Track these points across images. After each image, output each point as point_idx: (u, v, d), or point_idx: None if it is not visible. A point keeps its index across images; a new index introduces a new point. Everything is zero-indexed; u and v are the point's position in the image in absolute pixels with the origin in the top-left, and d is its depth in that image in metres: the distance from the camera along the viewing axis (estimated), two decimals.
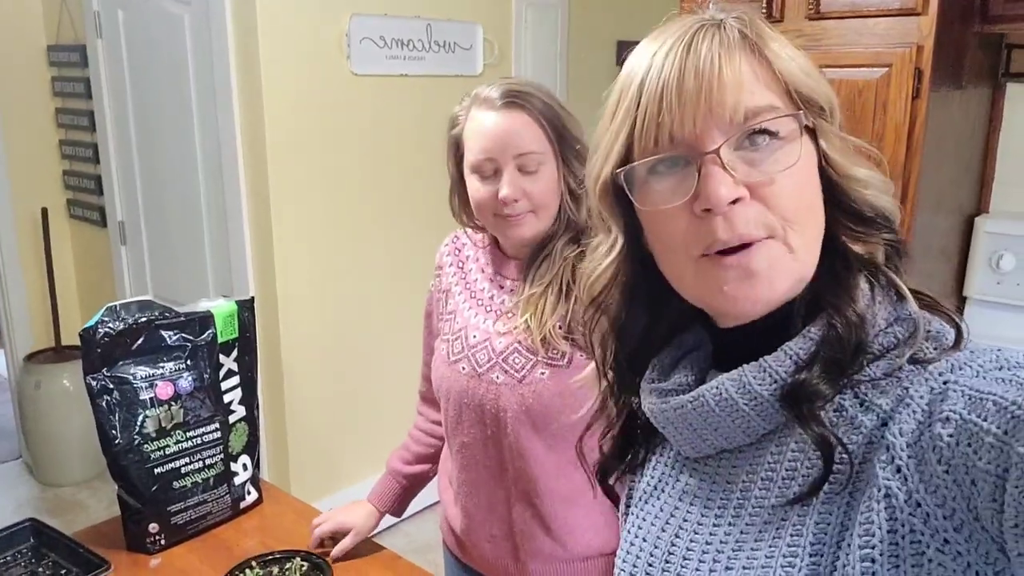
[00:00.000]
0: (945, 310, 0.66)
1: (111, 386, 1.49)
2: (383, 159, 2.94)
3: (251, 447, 1.68)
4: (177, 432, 1.54)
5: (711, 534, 0.67)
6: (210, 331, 1.59)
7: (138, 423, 1.50)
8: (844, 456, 0.60)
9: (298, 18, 2.63)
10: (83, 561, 1.43)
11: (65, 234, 3.70)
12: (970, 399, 0.53)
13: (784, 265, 0.62)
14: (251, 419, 1.67)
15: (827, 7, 2.08)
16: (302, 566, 1.42)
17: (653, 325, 0.75)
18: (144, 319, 1.52)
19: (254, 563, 1.43)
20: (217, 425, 1.59)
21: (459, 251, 1.45)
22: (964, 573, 0.53)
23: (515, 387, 1.26)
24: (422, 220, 3.04)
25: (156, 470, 1.51)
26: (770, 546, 0.62)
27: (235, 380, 1.64)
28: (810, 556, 0.59)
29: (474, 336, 1.34)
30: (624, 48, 4.01)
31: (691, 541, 0.68)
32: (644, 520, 0.75)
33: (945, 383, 0.57)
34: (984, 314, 2.44)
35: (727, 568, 0.64)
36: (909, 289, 0.65)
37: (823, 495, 0.60)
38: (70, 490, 3.44)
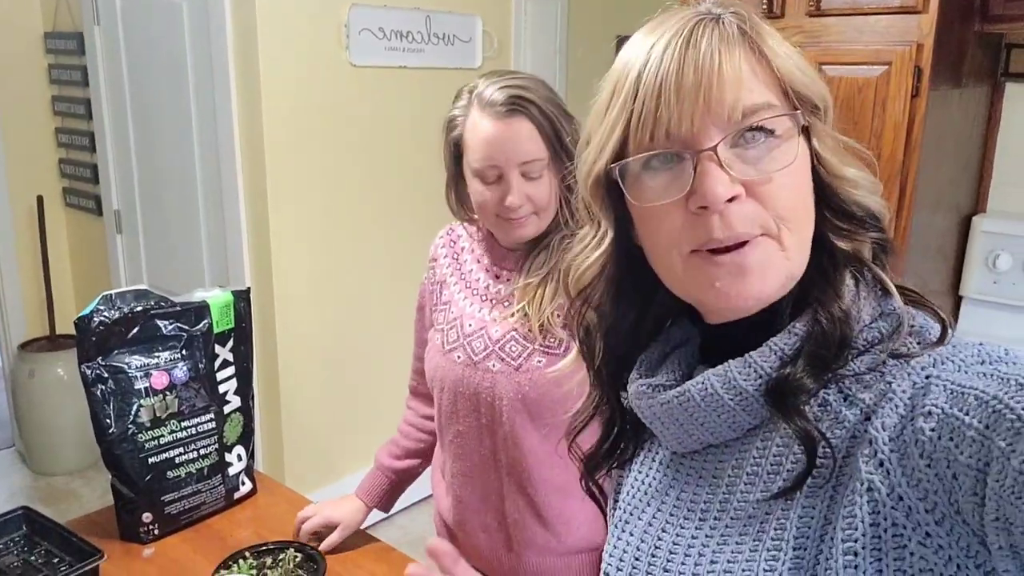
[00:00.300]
0: (931, 306, 0.66)
1: (106, 375, 1.48)
2: (381, 151, 2.94)
3: (246, 438, 1.67)
4: (172, 422, 1.53)
5: (697, 529, 0.67)
6: (206, 321, 1.58)
7: (132, 412, 1.49)
8: (827, 450, 0.60)
9: (297, 8, 2.62)
10: (76, 550, 1.42)
11: (61, 222, 3.69)
12: (952, 393, 0.54)
13: (777, 263, 0.62)
14: (246, 410, 1.67)
15: (828, 4, 2.08)
16: (295, 557, 1.42)
17: (640, 320, 0.75)
18: (140, 308, 1.52)
19: (247, 554, 1.42)
20: (212, 415, 1.59)
21: (454, 243, 1.45)
22: (945, 566, 0.53)
23: (511, 375, 1.26)
24: (419, 212, 3.03)
25: (150, 460, 1.51)
26: (754, 540, 0.62)
27: (230, 371, 1.63)
28: (793, 550, 0.60)
29: (469, 325, 1.34)
30: (624, 43, 4.00)
31: (677, 536, 0.69)
32: (631, 515, 0.75)
33: (927, 378, 0.57)
34: (980, 313, 2.45)
35: (712, 562, 0.64)
36: (895, 285, 0.66)
37: (806, 489, 0.61)
38: (63, 479, 3.44)
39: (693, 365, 0.73)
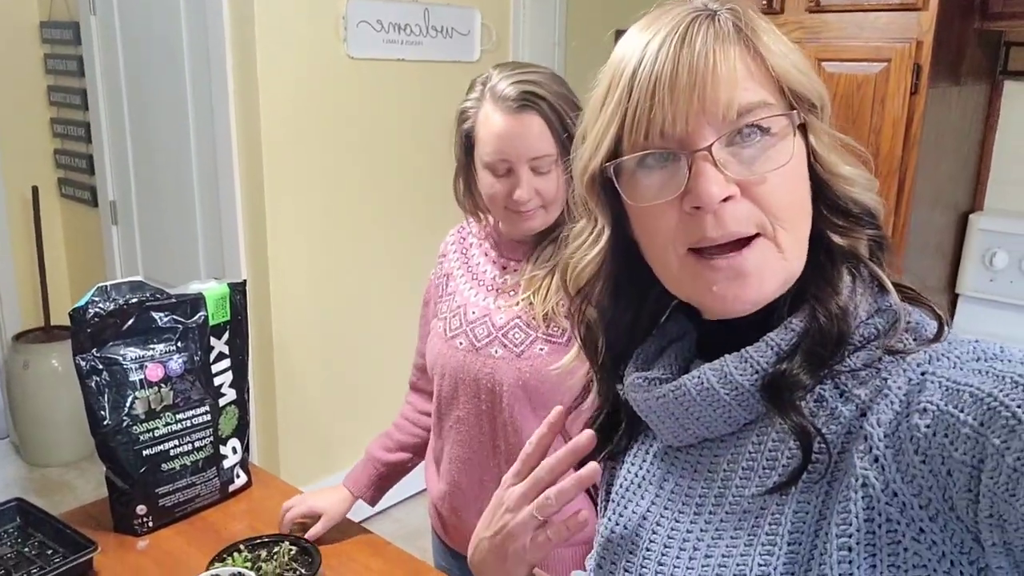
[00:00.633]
0: (927, 302, 0.66)
1: (100, 367, 1.48)
2: (378, 144, 2.93)
3: (241, 431, 1.67)
4: (166, 414, 1.53)
5: (691, 523, 0.67)
6: (201, 313, 1.58)
7: (127, 404, 1.49)
8: (823, 446, 0.60)
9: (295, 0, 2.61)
10: (70, 542, 1.42)
11: (56, 213, 3.68)
12: (947, 390, 0.54)
13: (774, 265, 0.62)
14: (241, 402, 1.66)
15: (828, 0, 2.07)
16: (290, 550, 1.41)
17: (638, 315, 0.75)
18: (135, 300, 1.51)
19: (242, 546, 1.42)
20: (207, 408, 1.58)
21: (464, 239, 1.47)
22: (939, 562, 0.53)
23: (513, 361, 1.27)
24: (417, 205, 3.03)
25: (144, 452, 1.50)
26: (749, 535, 0.62)
27: (226, 363, 1.63)
28: (788, 545, 0.60)
29: (473, 312, 1.35)
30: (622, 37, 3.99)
31: (672, 529, 0.69)
32: (624, 508, 0.75)
33: (923, 374, 0.57)
34: (976, 311, 2.45)
35: (707, 556, 0.64)
36: (892, 282, 0.66)
37: (802, 484, 0.61)
38: (58, 471, 3.43)
39: (689, 359, 0.73)
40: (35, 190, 3.44)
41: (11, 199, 3.47)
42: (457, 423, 1.37)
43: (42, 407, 3.37)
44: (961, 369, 0.56)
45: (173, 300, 1.55)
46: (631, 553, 0.71)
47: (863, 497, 0.56)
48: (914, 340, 0.62)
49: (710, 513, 0.66)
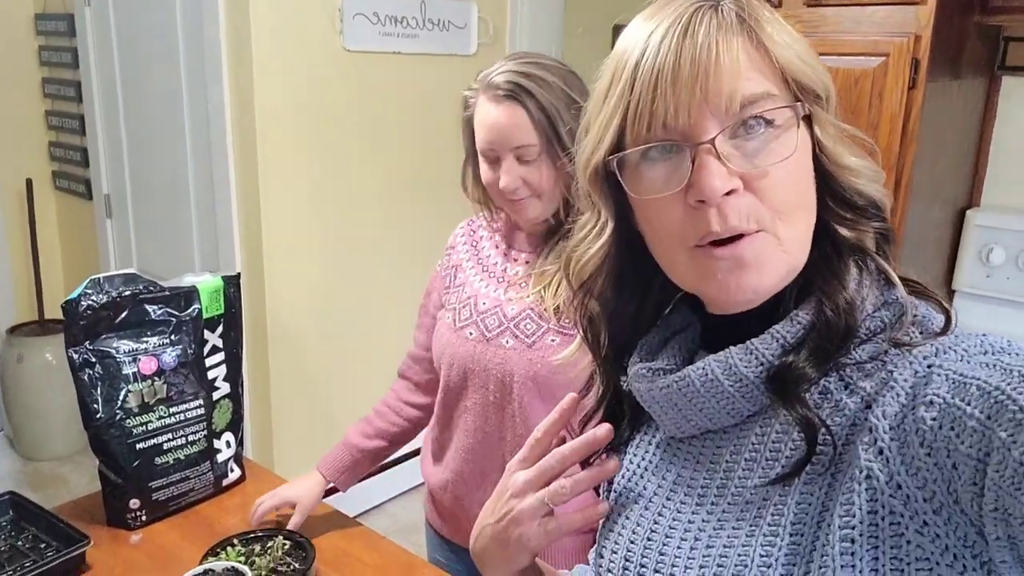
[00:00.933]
0: (934, 296, 0.66)
1: (93, 360, 1.47)
2: (374, 137, 2.92)
3: (235, 424, 1.66)
4: (160, 408, 1.52)
5: (694, 513, 0.67)
6: (195, 306, 1.57)
7: (120, 398, 1.48)
8: (827, 437, 0.60)
9: None
10: (63, 535, 1.41)
11: (50, 206, 3.66)
12: (954, 383, 0.54)
13: (774, 257, 0.62)
14: (235, 396, 1.66)
15: None
16: (284, 544, 1.41)
17: (641, 306, 0.75)
18: (128, 293, 1.50)
19: (236, 541, 1.41)
20: (201, 401, 1.58)
21: (474, 232, 1.47)
22: (942, 555, 0.53)
23: (524, 352, 1.28)
24: (413, 199, 3.02)
25: (138, 445, 1.49)
26: (751, 525, 0.62)
27: (220, 356, 1.62)
28: (790, 536, 0.60)
29: (483, 303, 1.35)
30: (620, 32, 3.98)
31: (674, 520, 0.69)
32: (627, 498, 0.75)
33: (929, 367, 0.57)
34: (973, 307, 2.45)
35: (708, 547, 0.64)
36: (898, 276, 0.66)
37: (805, 476, 0.61)
38: (52, 464, 3.42)
39: (693, 351, 0.73)
40: (29, 183, 3.43)
41: (5, 192, 3.46)
42: (465, 413, 1.37)
43: (36, 400, 3.36)
44: (968, 362, 0.56)
45: (167, 293, 1.54)
46: (632, 543, 0.71)
47: (867, 489, 0.56)
48: (920, 333, 0.62)
49: (712, 504, 0.66)
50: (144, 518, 1.51)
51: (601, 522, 0.80)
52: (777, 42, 0.62)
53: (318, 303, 2.89)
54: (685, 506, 0.68)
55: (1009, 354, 0.56)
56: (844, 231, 0.65)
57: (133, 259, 3.25)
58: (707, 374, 0.65)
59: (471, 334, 1.34)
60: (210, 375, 1.60)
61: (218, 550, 1.39)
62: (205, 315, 1.58)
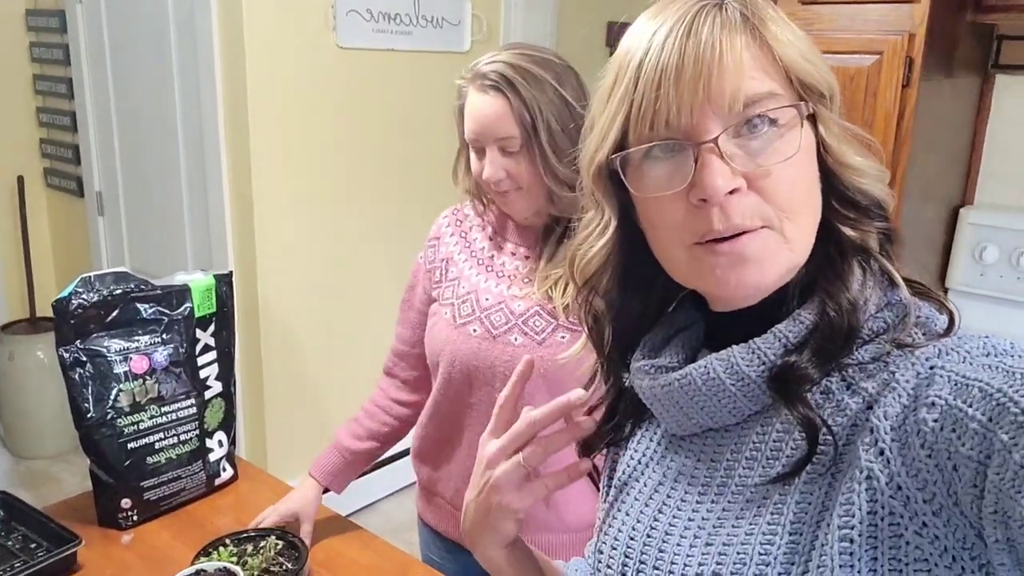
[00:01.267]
0: (937, 297, 0.66)
1: (84, 359, 1.46)
2: (367, 134, 2.91)
3: (227, 424, 1.65)
4: (151, 407, 1.51)
5: (693, 511, 0.68)
6: (187, 305, 1.56)
7: (112, 397, 1.47)
8: (828, 438, 0.60)
9: None
10: (53, 536, 1.40)
11: (41, 203, 3.64)
12: (956, 385, 0.54)
13: (777, 254, 0.62)
14: (228, 395, 1.65)
15: None
16: (277, 544, 1.40)
17: (645, 303, 0.75)
18: (119, 291, 1.49)
19: (228, 541, 1.40)
20: (193, 401, 1.57)
21: (460, 222, 1.45)
22: (941, 557, 0.53)
23: (534, 349, 1.27)
24: (406, 197, 3.01)
25: (129, 445, 1.49)
26: (750, 524, 0.62)
27: (212, 355, 1.61)
28: (789, 535, 0.60)
29: (486, 299, 1.34)
30: (614, 29, 3.98)
31: (673, 518, 0.69)
32: (628, 496, 0.76)
33: (931, 368, 0.57)
34: (966, 306, 2.44)
35: (707, 544, 0.64)
36: (902, 277, 0.66)
37: (805, 475, 0.61)
38: (43, 463, 3.41)
39: (697, 348, 0.73)
40: (20, 180, 3.41)
41: None
42: (468, 410, 1.35)
43: (28, 399, 3.35)
44: (971, 364, 0.56)
45: (158, 291, 1.53)
46: (632, 539, 0.71)
47: (867, 489, 0.56)
48: (923, 334, 0.62)
49: (712, 501, 0.67)
50: (136, 518, 1.51)
51: (600, 517, 0.80)
52: (781, 41, 0.62)
53: (311, 301, 2.88)
54: (685, 503, 0.69)
55: (1012, 356, 0.56)
56: (848, 231, 0.65)
57: (125, 256, 3.24)
58: (709, 372, 0.65)
59: (475, 331, 1.32)
60: (202, 374, 1.59)
61: (210, 550, 1.38)
62: (197, 314, 1.57)
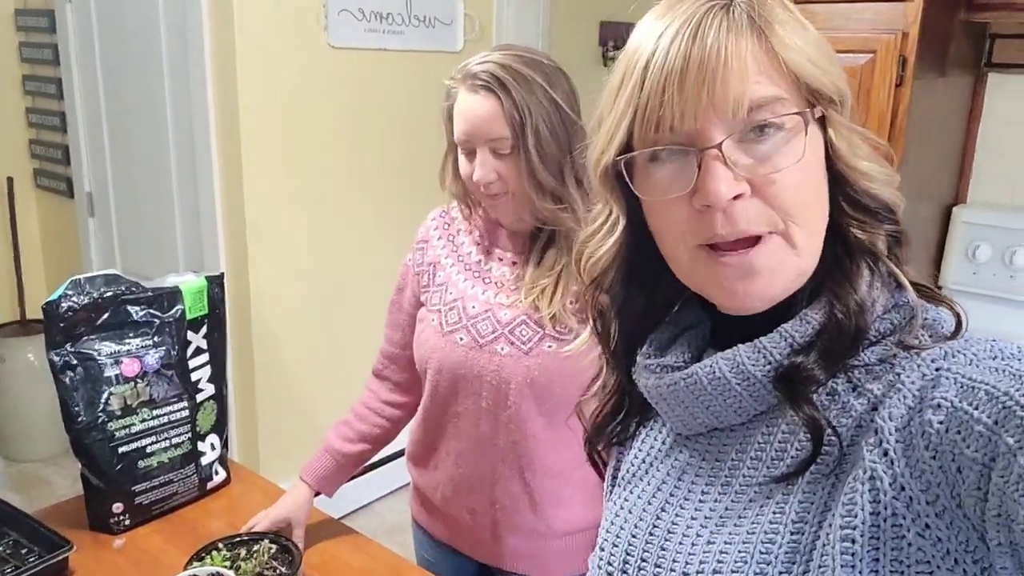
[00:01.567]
0: (945, 300, 0.66)
1: (75, 362, 1.44)
2: (359, 135, 2.90)
3: (219, 426, 1.64)
4: (143, 410, 1.50)
5: (696, 509, 0.68)
6: (178, 307, 1.55)
7: (103, 400, 1.46)
8: (833, 438, 0.60)
9: None
10: (45, 541, 1.39)
11: (31, 204, 3.62)
12: (962, 387, 0.54)
13: (786, 262, 0.62)
14: (220, 398, 1.64)
15: None
16: (270, 548, 1.39)
17: (651, 301, 0.75)
18: (110, 293, 1.48)
19: (221, 545, 1.39)
20: (184, 404, 1.55)
21: (448, 225, 1.43)
22: (943, 559, 0.53)
23: (521, 359, 1.25)
24: (399, 198, 3.00)
25: (121, 449, 1.47)
26: (752, 522, 0.63)
27: (204, 358, 1.60)
28: (791, 533, 0.60)
29: (473, 307, 1.32)
30: (607, 28, 3.97)
31: (676, 516, 0.69)
32: (631, 493, 0.76)
33: (937, 370, 0.57)
34: (959, 304, 2.45)
35: (709, 542, 0.65)
36: (909, 280, 0.66)
37: (809, 476, 0.61)
38: (35, 466, 3.38)
39: (703, 347, 0.73)
40: (10, 181, 3.39)
41: None
42: (455, 418, 1.35)
43: (19, 402, 3.32)
44: (977, 367, 0.56)
45: (149, 293, 1.52)
46: (634, 537, 0.71)
47: (870, 490, 0.56)
48: (930, 337, 0.62)
49: (715, 500, 0.67)
50: (127, 522, 1.49)
51: (604, 515, 0.80)
52: (788, 45, 0.61)
53: (304, 302, 2.87)
54: (688, 501, 0.69)
55: (1019, 359, 0.56)
56: (856, 233, 0.65)
57: (116, 258, 3.22)
58: (715, 372, 0.65)
59: (461, 339, 1.31)
60: (194, 377, 1.58)
61: (203, 554, 1.36)
62: (188, 316, 1.56)
